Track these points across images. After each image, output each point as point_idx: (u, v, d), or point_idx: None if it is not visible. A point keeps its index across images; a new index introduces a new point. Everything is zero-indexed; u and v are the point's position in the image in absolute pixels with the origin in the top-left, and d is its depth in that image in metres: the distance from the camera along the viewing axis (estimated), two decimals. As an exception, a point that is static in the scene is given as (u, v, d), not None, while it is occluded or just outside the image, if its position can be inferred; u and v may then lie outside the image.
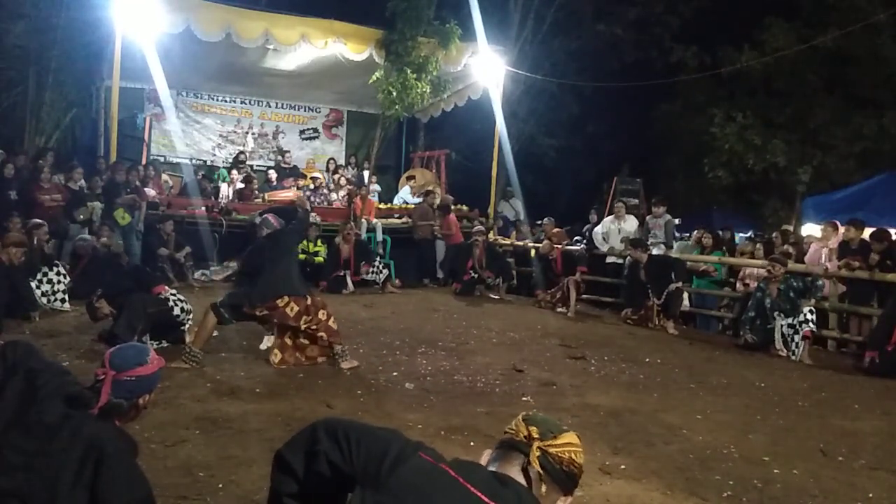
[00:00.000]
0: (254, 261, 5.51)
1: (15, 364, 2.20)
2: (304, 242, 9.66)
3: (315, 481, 1.68)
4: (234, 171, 12.19)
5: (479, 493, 1.44)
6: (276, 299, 5.14)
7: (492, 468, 1.56)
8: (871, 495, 3.44)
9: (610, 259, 9.67)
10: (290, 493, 1.73)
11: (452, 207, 11.31)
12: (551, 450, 1.54)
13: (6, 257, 6.36)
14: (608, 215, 10.13)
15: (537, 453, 1.53)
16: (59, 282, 6.93)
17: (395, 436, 1.66)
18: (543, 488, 1.51)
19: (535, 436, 1.54)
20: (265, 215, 5.59)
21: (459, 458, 1.61)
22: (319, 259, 9.63)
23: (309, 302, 5.27)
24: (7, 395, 2.12)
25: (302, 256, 9.65)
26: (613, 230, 9.68)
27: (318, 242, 9.79)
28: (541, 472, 1.52)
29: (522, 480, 1.52)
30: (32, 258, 6.83)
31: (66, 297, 6.94)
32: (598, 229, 9.89)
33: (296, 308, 5.18)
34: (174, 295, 5.76)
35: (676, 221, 10.31)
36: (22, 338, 4.58)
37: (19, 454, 1.95)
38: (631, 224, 9.70)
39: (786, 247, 8.30)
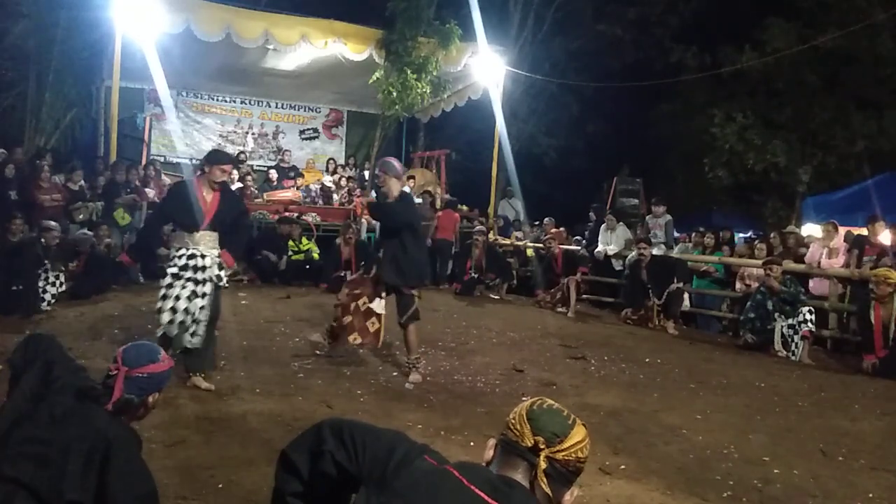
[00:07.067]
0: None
1: (35, 355, 2.22)
2: (291, 242, 9.66)
3: (320, 481, 1.69)
4: (234, 171, 12.17)
5: (483, 495, 1.44)
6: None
7: (493, 470, 1.55)
8: (871, 495, 3.44)
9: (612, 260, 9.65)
10: (293, 492, 1.73)
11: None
12: (558, 456, 1.50)
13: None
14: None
15: (544, 465, 1.49)
16: (57, 281, 6.93)
17: (401, 438, 1.66)
18: (549, 491, 1.49)
19: (542, 446, 1.50)
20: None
21: (463, 460, 1.61)
22: (316, 256, 9.62)
23: None
24: (23, 386, 2.15)
25: (299, 256, 9.68)
26: (605, 239, 9.68)
27: (304, 240, 9.75)
28: (545, 480, 1.49)
29: (526, 483, 1.51)
30: (40, 260, 6.86)
31: (64, 297, 6.94)
32: (602, 247, 9.71)
33: None
34: None
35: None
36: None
37: (29, 444, 1.96)
38: (621, 232, 9.65)
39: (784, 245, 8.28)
